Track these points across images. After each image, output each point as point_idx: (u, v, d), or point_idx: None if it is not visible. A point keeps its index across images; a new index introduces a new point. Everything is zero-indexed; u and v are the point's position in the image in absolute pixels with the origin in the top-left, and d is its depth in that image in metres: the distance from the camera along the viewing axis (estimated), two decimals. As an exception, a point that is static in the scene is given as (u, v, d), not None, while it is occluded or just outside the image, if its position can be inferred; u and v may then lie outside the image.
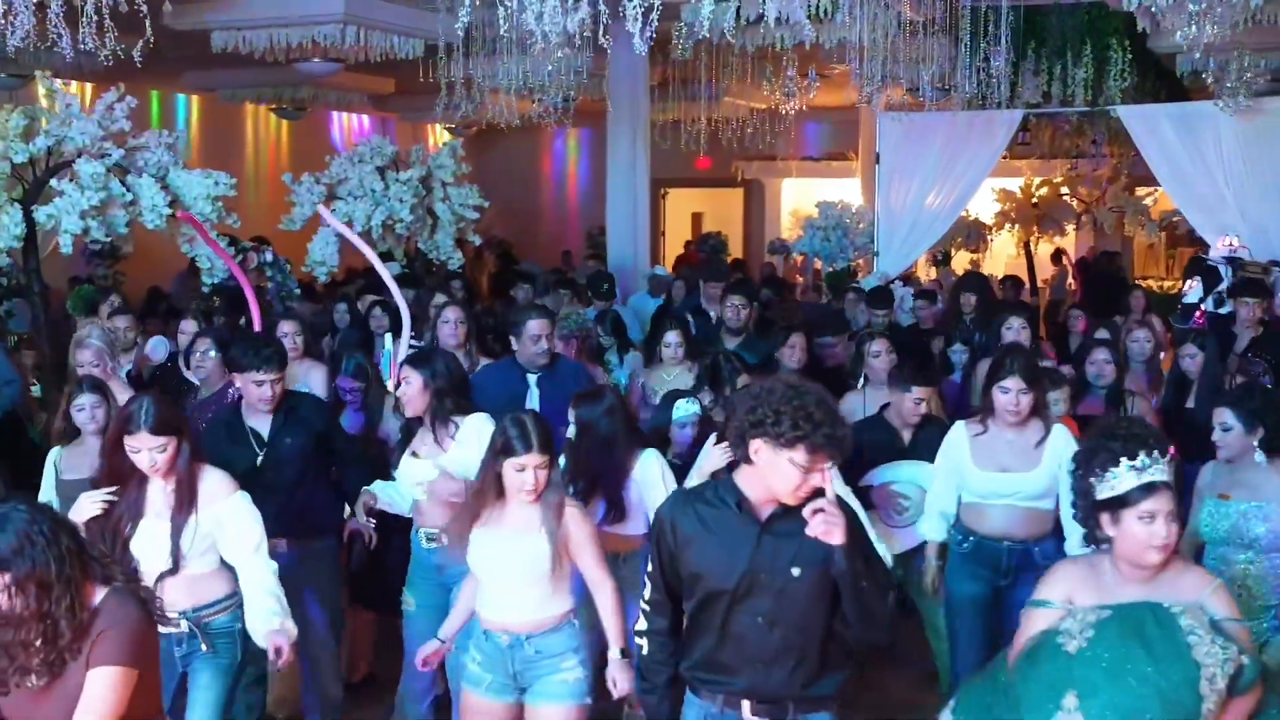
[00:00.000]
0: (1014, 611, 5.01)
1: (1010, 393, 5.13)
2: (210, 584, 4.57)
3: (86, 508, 4.43)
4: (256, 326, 7.44)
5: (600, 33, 6.58)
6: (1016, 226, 17.43)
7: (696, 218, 22.88)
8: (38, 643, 3.15)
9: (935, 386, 6.13)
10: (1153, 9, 7.37)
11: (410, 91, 16.34)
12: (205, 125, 17.28)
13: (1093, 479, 3.57)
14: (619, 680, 4.32)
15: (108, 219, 8.64)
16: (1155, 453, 3.52)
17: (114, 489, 4.49)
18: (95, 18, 6.56)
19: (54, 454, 5.54)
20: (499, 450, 4.33)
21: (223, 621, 4.57)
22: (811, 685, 3.63)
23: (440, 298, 8.68)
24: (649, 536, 3.90)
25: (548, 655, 4.37)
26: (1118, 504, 3.51)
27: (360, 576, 6.08)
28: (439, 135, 20.51)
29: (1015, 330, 7.18)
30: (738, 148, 16.70)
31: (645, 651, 3.82)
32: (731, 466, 3.74)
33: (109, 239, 8.76)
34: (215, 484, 4.56)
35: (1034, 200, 17.33)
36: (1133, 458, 3.50)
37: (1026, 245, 17.58)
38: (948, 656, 5.74)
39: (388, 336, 7.24)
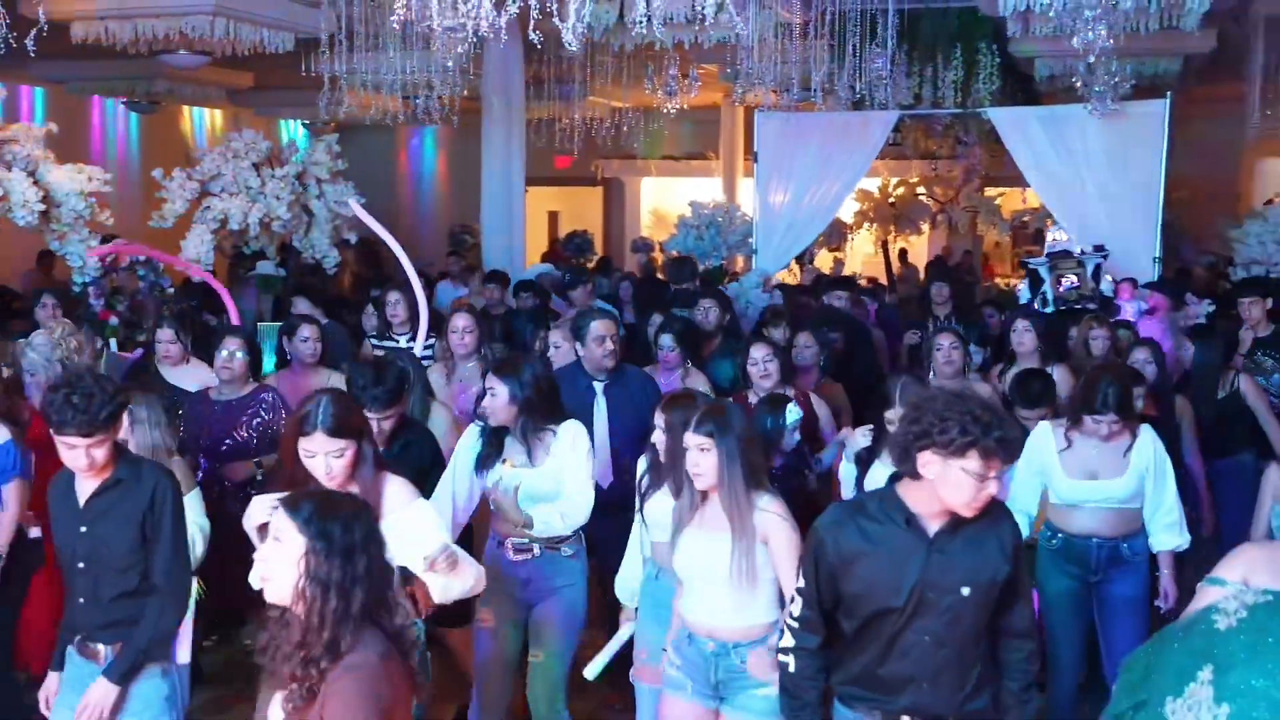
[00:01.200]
0: (1107, 606, 5.31)
1: (1102, 423, 5.21)
2: None
3: (258, 513, 4.02)
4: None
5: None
6: (874, 225, 17.85)
7: (553, 216, 22.83)
8: (298, 637, 2.84)
9: (1047, 408, 6.00)
10: (1050, 14, 7.61)
11: (267, 86, 16.03)
12: (51, 119, 16.55)
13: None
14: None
15: (-25, 216, 8.28)
16: None
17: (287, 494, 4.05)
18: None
19: None
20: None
21: None
22: (970, 701, 3.57)
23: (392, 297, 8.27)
24: (805, 551, 3.70)
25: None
26: None
27: None
28: (294, 131, 20.11)
29: (1020, 332, 7.16)
30: (610, 145, 16.73)
31: (793, 669, 3.65)
32: (893, 479, 3.60)
33: (-21, 236, 8.35)
34: (396, 492, 4.13)
35: (891, 200, 17.77)
36: None
37: (884, 244, 18.02)
38: None
39: (404, 337, 7.01)
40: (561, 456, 4.95)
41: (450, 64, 9.73)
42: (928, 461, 3.38)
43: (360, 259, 18.29)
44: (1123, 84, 10.23)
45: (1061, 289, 10.87)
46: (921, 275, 18.35)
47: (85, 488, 4.21)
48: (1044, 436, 5.38)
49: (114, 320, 9.25)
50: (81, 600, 4.24)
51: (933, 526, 3.49)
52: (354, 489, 4.01)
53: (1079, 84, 10.08)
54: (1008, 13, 9.60)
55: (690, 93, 12.49)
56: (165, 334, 6.89)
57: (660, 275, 16.73)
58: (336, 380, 6.74)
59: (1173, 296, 10.50)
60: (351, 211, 10.84)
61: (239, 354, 6.22)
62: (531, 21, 5.57)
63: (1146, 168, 10.95)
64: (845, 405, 6.71)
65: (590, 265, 17.88)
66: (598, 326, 6.13)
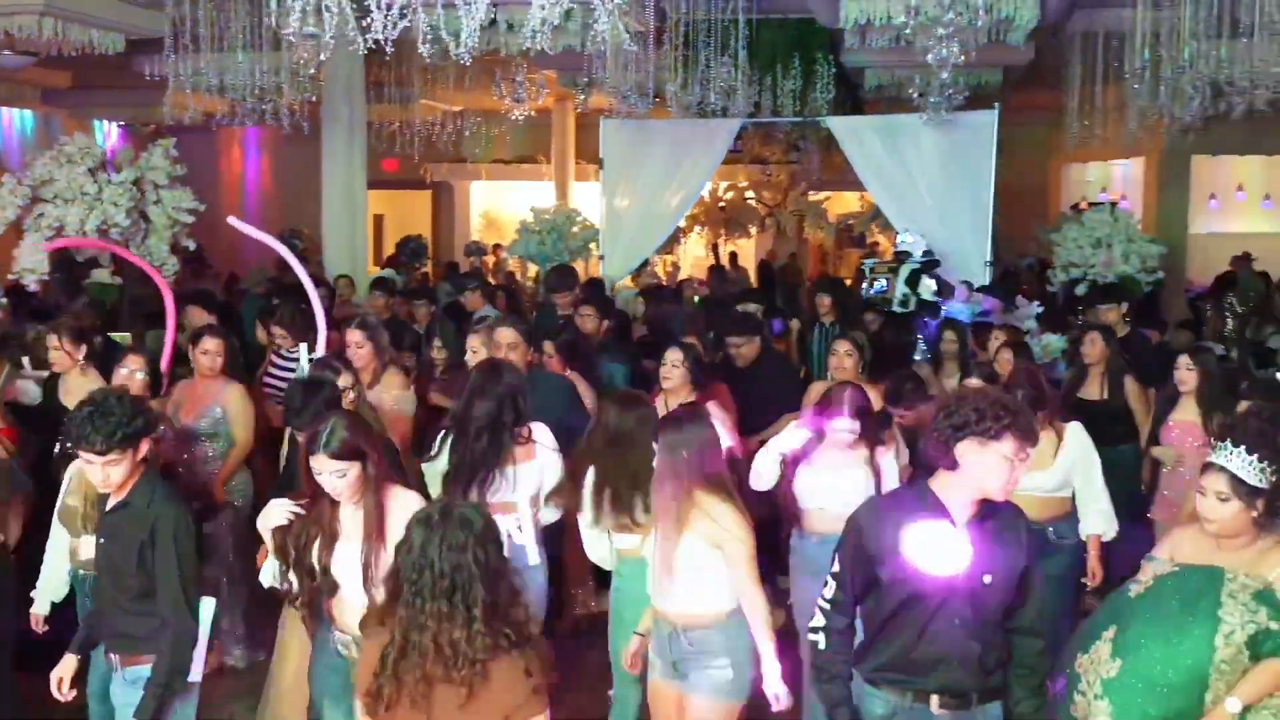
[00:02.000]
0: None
1: None
2: None
3: (275, 515, 4.35)
4: (170, 335, 6.85)
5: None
6: (705, 228, 18.18)
7: (378, 220, 22.51)
8: None
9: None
10: (907, 30, 7.92)
11: (84, 86, 15.51)
12: None
13: None
14: (779, 695, 4.44)
15: None
16: (1227, 441, 4.02)
17: (304, 502, 4.32)
18: None
19: (72, 468, 5.26)
20: None
21: None
22: (990, 677, 3.85)
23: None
24: (839, 540, 3.98)
25: (700, 651, 4.51)
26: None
27: None
28: (108, 132, 19.40)
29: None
30: (449, 149, 16.64)
31: (823, 645, 3.90)
32: (924, 474, 3.87)
33: None
34: (405, 507, 4.20)
35: (721, 204, 18.12)
36: (1222, 440, 4.03)
37: (715, 247, 18.36)
38: None
39: (303, 347, 6.84)
40: None
41: (313, 69, 9.57)
42: (966, 450, 3.66)
43: (183, 265, 17.79)
44: (957, 95, 10.65)
45: (871, 291, 11.40)
46: (752, 277, 18.84)
47: (110, 502, 4.43)
48: None
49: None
50: (96, 608, 4.55)
51: (962, 518, 3.77)
52: (360, 505, 4.26)
53: (915, 94, 10.46)
54: (849, 26, 9.97)
55: (537, 99, 12.54)
56: (50, 340, 6.65)
57: (492, 279, 16.81)
58: (234, 391, 6.69)
59: (1003, 299, 11.04)
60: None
61: (139, 374, 6.03)
62: (421, 35, 5.58)
63: (977, 175, 11.43)
64: (729, 404, 6.90)
65: (424, 270, 17.80)
66: (496, 334, 6.45)
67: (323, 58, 7.64)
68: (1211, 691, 3.80)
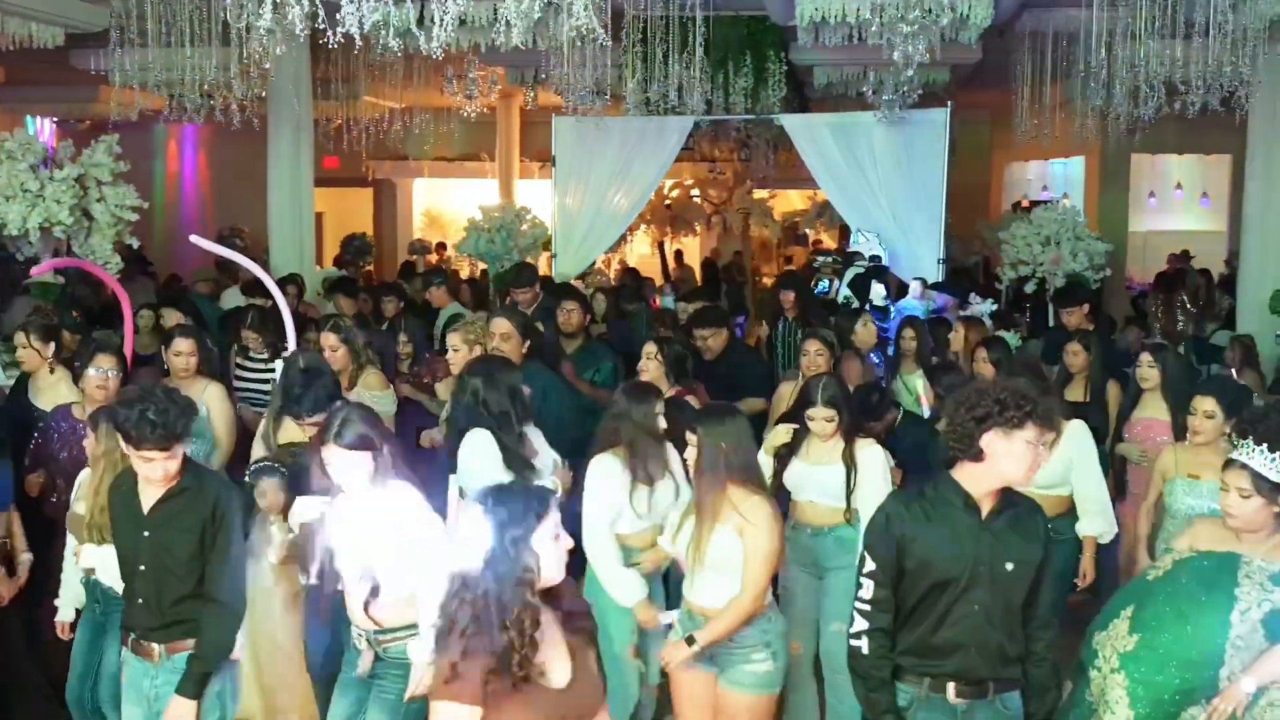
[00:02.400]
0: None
1: None
2: (396, 608, 4.23)
3: (304, 511, 4.35)
4: (128, 339, 6.72)
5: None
6: (651, 226, 18.11)
7: (318, 218, 22.22)
8: None
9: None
10: (873, 28, 7.90)
11: (19, 82, 15.17)
12: None
13: None
14: (670, 658, 4.56)
15: None
16: (1250, 439, 4.11)
17: (328, 497, 4.30)
18: None
19: (82, 475, 5.20)
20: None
21: (398, 651, 4.23)
22: (1008, 667, 3.87)
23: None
24: (867, 538, 4.02)
25: (740, 645, 4.53)
26: None
27: None
28: (40, 128, 18.98)
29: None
30: (398, 148, 16.48)
31: (867, 650, 3.89)
32: (947, 465, 3.89)
33: None
34: (402, 501, 4.28)
35: (667, 202, 18.06)
36: (1244, 437, 4.13)
37: (661, 245, 18.31)
38: None
39: (278, 364, 6.69)
40: None
41: (266, 64, 9.40)
42: (991, 440, 3.74)
43: (127, 263, 17.46)
44: (911, 93, 10.68)
45: (815, 291, 11.49)
46: (698, 276, 18.82)
47: (150, 494, 4.32)
48: None
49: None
50: (141, 601, 4.37)
51: (985, 507, 3.85)
52: (368, 496, 4.25)
53: (869, 92, 10.47)
54: (803, 24, 9.94)
55: (489, 95, 12.43)
56: (18, 337, 6.49)
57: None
58: (216, 390, 6.55)
59: (956, 296, 11.11)
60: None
61: (113, 373, 5.85)
62: (391, 29, 5.48)
63: (929, 173, 11.51)
64: (705, 399, 6.88)
65: (369, 268, 17.62)
66: (492, 325, 6.42)
67: (279, 51, 7.49)
68: (1226, 668, 3.90)
